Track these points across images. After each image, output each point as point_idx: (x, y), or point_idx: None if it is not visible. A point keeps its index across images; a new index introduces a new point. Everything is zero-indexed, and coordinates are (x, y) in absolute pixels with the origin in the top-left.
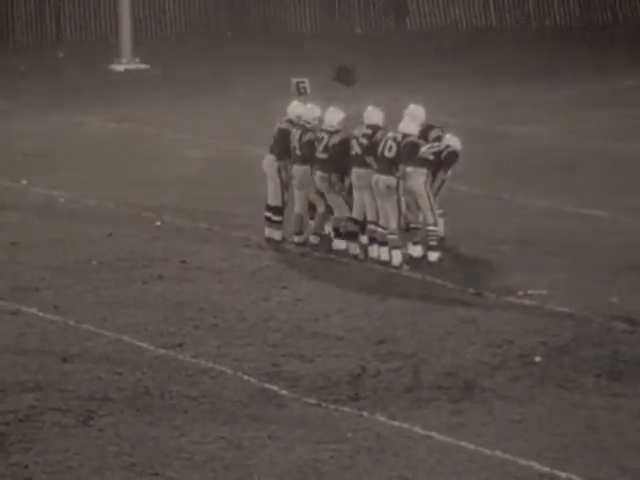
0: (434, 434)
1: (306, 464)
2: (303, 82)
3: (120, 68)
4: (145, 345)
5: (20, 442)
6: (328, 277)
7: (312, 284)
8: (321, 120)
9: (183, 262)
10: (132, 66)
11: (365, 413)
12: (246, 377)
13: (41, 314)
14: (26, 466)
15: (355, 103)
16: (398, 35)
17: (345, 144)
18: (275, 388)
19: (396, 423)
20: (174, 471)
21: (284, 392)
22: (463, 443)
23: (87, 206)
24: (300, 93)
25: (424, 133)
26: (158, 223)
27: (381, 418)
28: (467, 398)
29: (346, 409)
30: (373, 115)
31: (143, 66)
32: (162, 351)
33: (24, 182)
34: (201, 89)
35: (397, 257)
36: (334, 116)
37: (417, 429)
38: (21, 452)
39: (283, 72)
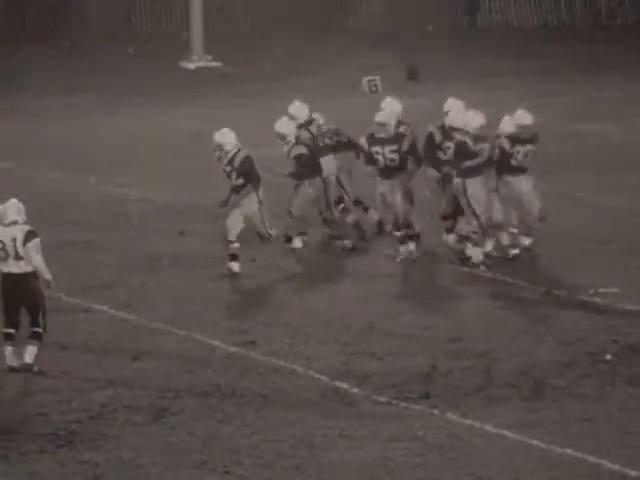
0: (505, 432)
1: (377, 462)
2: (374, 80)
3: (191, 65)
4: (216, 343)
5: (91, 440)
6: (399, 275)
7: (384, 282)
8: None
9: (253, 260)
10: (203, 63)
11: (436, 411)
12: (317, 375)
13: (113, 312)
14: (97, 464)
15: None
16: (469, 32)
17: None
18: (346, 386)
19: (467, 421)
20: (245, 469)
21: (355, 390)
22: (534, 441)
23: (158, 204)
24: (371, 91)
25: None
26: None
27: (452, 416)
28: (538, 396)
29: (417, 407)
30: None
31: (214, 64)
32: (233, 349)
33: (92, 179)
34: (273, 86)
35: (477, 255)
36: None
37: (488, 427)
38: (92, 450)
39: (355, 69)
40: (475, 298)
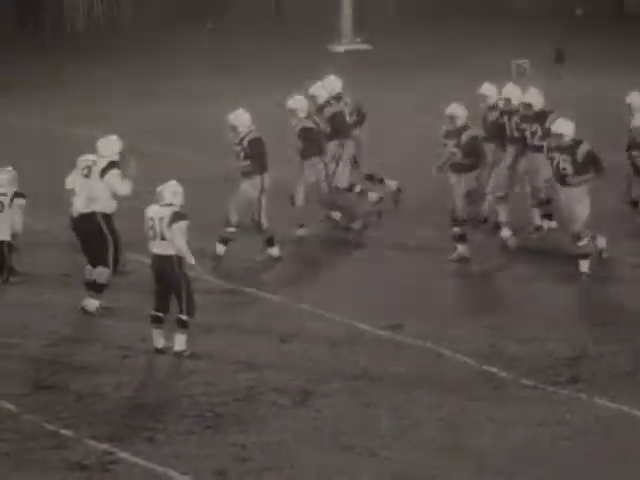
0: None
1: (524, 445)
2: (523, 63)
3: (340, 48)
4: (364, 326)
5: (238, 422)
6: (545, 259)
7: (530, 266)
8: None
9: (403, 243)
10: (352, 46)
11: (584, 395)
12: (464, 358)
13: (260, 294)
14: (244, 446)
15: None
16: (617, 17)
17: None
18: (493, 370)
19: (615, 405)
20: (391, 452)
21: (502, 374)
22: None
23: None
24: (520, 74)
25: (539, 118)
26: (377, 205)
27: (600, 400)
28: None
29: (564, 391)
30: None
31: (364, 46)
32: (381, 332)
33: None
34: (423, 69)
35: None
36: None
37: (636, 412)
38: (238, 432)
39: (504, 52)
40: (621, 283)
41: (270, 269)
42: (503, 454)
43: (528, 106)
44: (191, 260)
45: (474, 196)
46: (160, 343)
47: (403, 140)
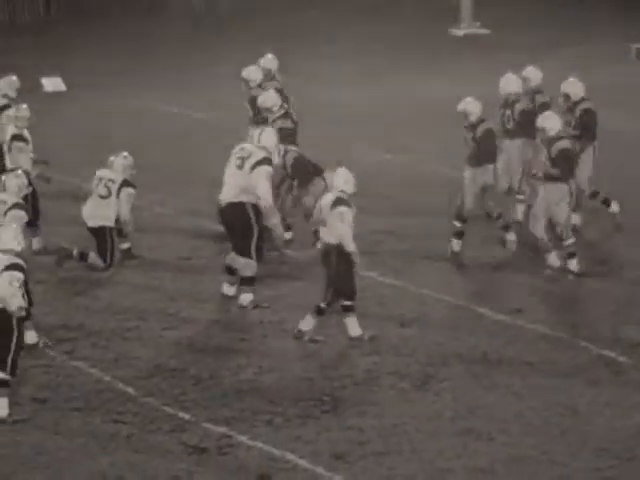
0: None
1: None
2: None
3: (460, 32)
4: (484, 310)
5: (356, 405)
6: None
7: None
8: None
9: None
10: (472, 31)
11: None
12: (584, 343)
13: (381, 278)
14: (361, 429)
15: None
16: None
17: None
18: (613, 354)
19: None
20: (510, 436)
21: (622, 358)
22: None
23: (422, 172)
24: None
25: (572, 109)
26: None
27: None
28: None
29: None
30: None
31: (483, 31)
32: (500, 316)
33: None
34: (537, 56)
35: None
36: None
37: None
38: (357, 415)
39: (624, 37)
40: None
41: (390, 254)
42: (622, 438)
43: (567, 97)
44: (350, 248)
45: (490, 190)
46: (306, 325)
47: None
